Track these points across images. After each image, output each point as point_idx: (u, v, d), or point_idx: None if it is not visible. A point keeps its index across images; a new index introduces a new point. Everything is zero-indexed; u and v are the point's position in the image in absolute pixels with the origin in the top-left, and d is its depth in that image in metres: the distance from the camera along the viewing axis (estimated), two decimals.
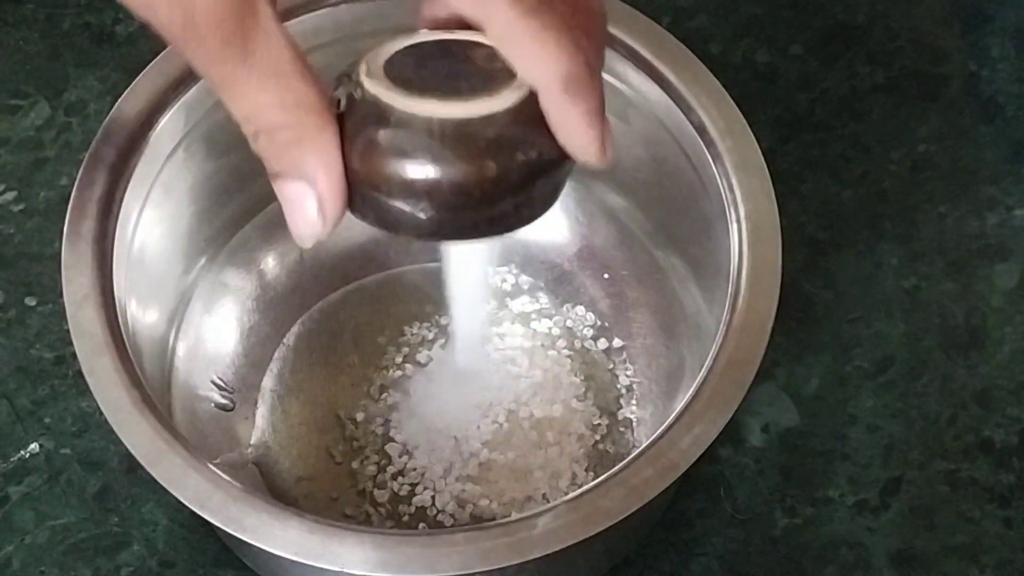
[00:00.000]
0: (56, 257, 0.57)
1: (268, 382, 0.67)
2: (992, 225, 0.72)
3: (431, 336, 0.68)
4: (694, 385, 0.55)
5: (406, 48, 0.48)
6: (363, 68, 0.47)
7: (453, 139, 0.45)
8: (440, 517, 0.64)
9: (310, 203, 0.46)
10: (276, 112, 0.45)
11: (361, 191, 0.47)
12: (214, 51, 0.44)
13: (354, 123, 0.46)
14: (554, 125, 0.46)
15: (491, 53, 0.47)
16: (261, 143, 0.46)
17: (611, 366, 0.68)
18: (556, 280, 0.69)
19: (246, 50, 0.44)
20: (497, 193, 0.46)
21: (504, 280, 0.69)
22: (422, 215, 0.46)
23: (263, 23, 0.44)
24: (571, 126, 0.46)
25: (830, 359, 0.69)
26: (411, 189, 0.46)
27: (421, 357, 0.67)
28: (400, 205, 0.46)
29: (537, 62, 0.45)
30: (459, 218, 0.47)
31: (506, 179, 0.46)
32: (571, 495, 0.53)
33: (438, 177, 0.45)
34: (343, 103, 0.47)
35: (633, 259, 0.68)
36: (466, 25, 0.47)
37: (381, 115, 0.46)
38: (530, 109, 0.46)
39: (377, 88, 0.46)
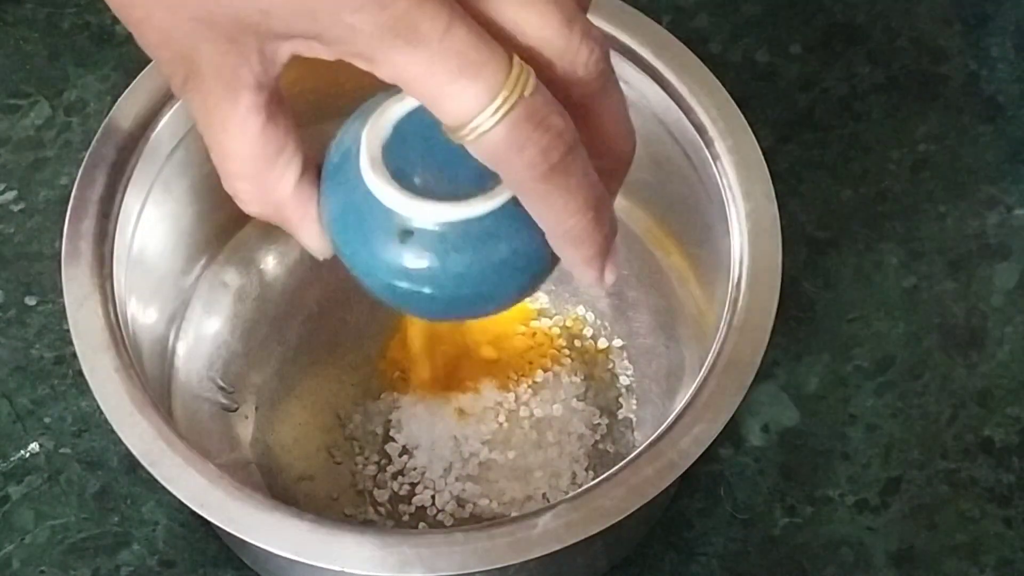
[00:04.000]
0: (56, 257, 0.57)
1: (268, 382, 0.67)
2: (992, 225, 0.72)
3: None
4: (694, 385, 0.55)
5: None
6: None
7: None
8: (440, 517, 0.64)
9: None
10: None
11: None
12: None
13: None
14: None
15: None
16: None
17: (611, 366, 0.68)
18: (556, 280, 0.69)
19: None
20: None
21: None
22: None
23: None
24: (570, 264, 0.47)
25: (830, 359, 0.69)
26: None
27: None
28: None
29: (542, 220, 0.45)
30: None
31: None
32: (571, 495, 0.53)
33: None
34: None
35: (633, 259, 0.68)
36: None
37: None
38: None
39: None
